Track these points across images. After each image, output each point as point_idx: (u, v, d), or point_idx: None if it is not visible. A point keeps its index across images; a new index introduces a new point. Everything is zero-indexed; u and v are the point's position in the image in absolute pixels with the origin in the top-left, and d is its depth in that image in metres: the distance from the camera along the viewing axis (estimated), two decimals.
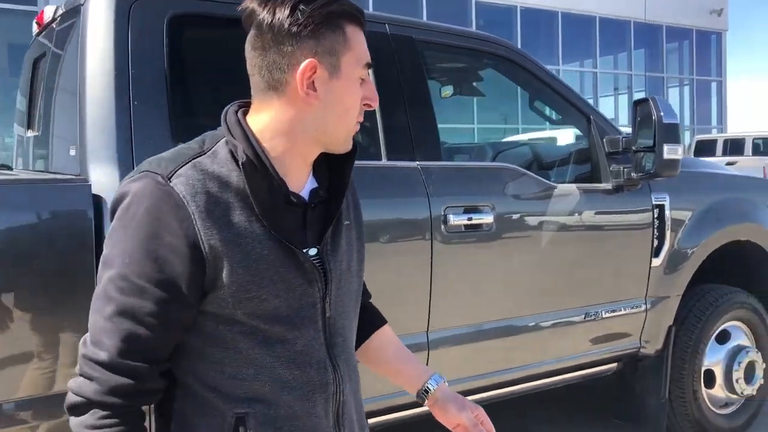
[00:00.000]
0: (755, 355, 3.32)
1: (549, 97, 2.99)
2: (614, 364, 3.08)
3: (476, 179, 2.56)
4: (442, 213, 2.38)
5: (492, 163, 3.13)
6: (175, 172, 1.01)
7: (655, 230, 3.02)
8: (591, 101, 20.14)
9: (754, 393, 3.35)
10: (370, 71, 1.16)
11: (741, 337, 3.38)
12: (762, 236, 3.46)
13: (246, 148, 1.03)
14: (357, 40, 1.06)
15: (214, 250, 1.00)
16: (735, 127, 22.99)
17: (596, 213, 2.84)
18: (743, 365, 3.27)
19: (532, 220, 2.64)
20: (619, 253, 2.93)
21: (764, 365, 3.37)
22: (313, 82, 1.03)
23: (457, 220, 2.41)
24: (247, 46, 1.06)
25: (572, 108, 2.94)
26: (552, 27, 18.95)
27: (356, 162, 1.16)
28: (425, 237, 2.34)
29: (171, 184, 1.00)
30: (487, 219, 2.48)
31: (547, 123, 3.17)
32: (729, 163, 9.06)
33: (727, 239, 3.31)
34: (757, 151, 15.69)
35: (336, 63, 1.04)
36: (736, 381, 3.26)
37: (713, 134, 18.46)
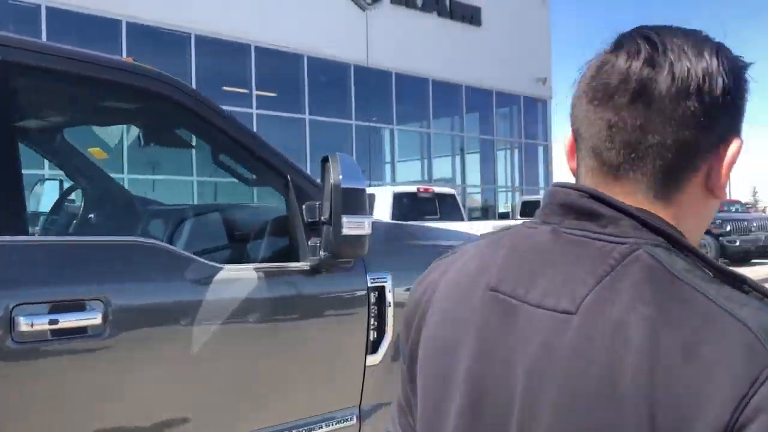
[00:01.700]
0: None
1: (235, 151, 2.34)
2: None
3: (80, 261, 1.81)
4: (9, 314, 1.61)
5: (113, 237, 2.33)
6: None
7: (372, 320, 2.43)
8: (425, 162, 20.53)
9: None
10: None
11: None
12: None
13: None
14: None
15: None
16: None
17: (283, 302, 2.19)
18: None
19: (174, 317, 1.91)
20: (317, 353, 2.27)
21: None
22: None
23: (36, 323, 1.65)
24: (610, 113, 0.73)
25: (265, 165, 2.31)
26: (387, 87, 19.06)
27: None
28: None
29: None
30: (93, 320, 1.74)
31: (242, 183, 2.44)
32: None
33: None
34: None
35: None
36: None
37: (537, 195, 19.18)
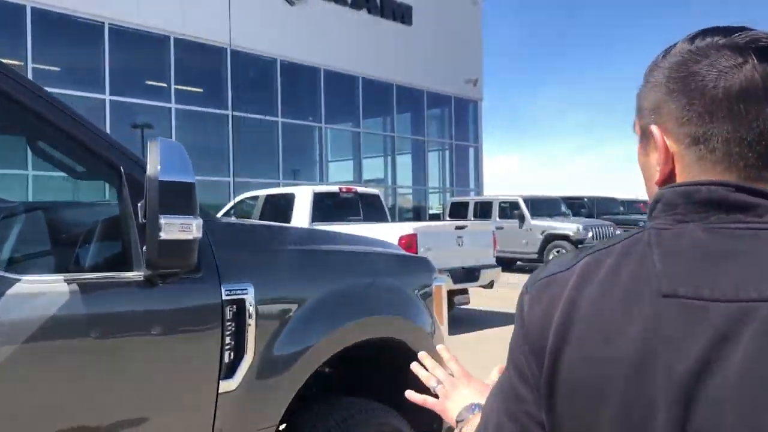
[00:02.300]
0: None
1: (55, 136, 1.93)
2: None
3: None
4: None
5: None
6: None
7: (227, 338, 2.06)
8: (357, 162, 20.19)
9: None
10: None
11: None
12: (407, 331, 2.69)
13: None
14: None
15: None
16: (495, 191, 24.33)
17: (105, 321, 1.79)
18: None
19: None
20: (152, 382, 1.88)
21: None
22: None
23: None
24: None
25: (93, 155, 1.91)
26: (315, 84, 18.62)
27: None
28: None
29: None
30: None
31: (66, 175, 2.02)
32: (459, 227, 8.84)
33: (357, 338, 2.46)
34: (504, 213, 16.39)
35: None
36: None
37: (466, 197, 19.12)
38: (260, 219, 10.01)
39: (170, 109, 15.08)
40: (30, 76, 12.74)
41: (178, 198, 1.56)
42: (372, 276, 2.58)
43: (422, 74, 21.31)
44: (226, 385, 2.04)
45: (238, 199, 10.78)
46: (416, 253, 8.01)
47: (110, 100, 13.98)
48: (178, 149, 1.62)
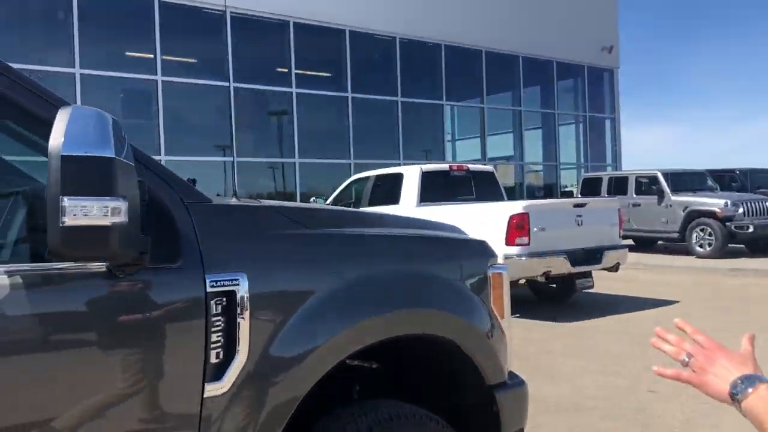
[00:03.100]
0: None
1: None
2: None
3: None
4: None
5: None
6: None
7: (215, 336, 1.80)
8: (483, 140, 19.56)
9: None
10: None
11: None
12: (450, 328, 2.31)
13: None
14: None
15: None
16: (633, 165, 22.80)
17: (59, 319, 1.58)
18: None
19: None
20: (115, 388, 1.63)
21: None
22: None
23: None
24: None
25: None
26: (435, 61, 18.20)
27: None
28: None
29: None
30: None
31: None
32: (578, 205, 8.14)
33: (380, 336, 2.12)
34: (640, 189, 15.18)
35: None
36: None
37: (599, 173, 17.90)
38: (370, 200, 9.84)
39: (291, 93, 15.31)
40: (159, 68, 13.39)
41: (89, 176, 1.30)
42: (403, 263, 2.22)
43: (551, 44, 20.22)
44: (212, 388, 1.78)
45: (348, 181, 10.68)
46: (528, 233, 7.48)
47: (234, 87, 14.41)
48: (96, 119, 1.35)
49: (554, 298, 9.07)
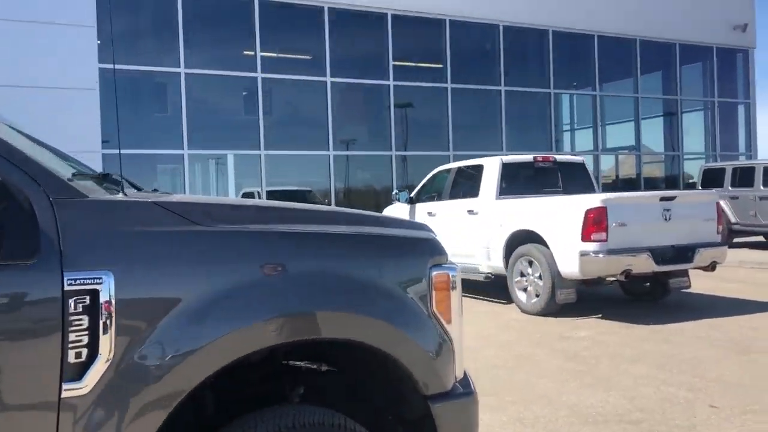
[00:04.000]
0: None
1: None
2: None
3: None
4: None
5: None
6: None
7: (73, 335, 1.75)
8: (598, 130, 18.59)
9: None
10: None
11: None
12: (371, 332, 2.13)
13: None
14: None
15: None
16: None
17: None
18: None
19: None
20: None
21: None
22: None
23: None
24: None
25: None
26: (541, 47, 17.48)
27: None
28: None
29: None
30: None
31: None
32: (666, 198, 7.45)
33: (273, 340, 1.97)
34: None
35: None
36: None
37: (722, 163, 16.38)
38: (450, 193, 9.59)
39: (388, 86, 15.30)
40: (259, 64, 13.82)
41: None
42: (313, 263, 2.07)
43: (673, 24, 18.82)
44: (71, 389, 1.74)
45: (432, 173, 10.48)
46: (605, 229, 6.98)
47: (331, 81, 14.61)
48: None
49: (645, 298, 8.42)
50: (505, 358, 5.75)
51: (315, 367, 2.50)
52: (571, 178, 9.16)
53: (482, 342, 6.39)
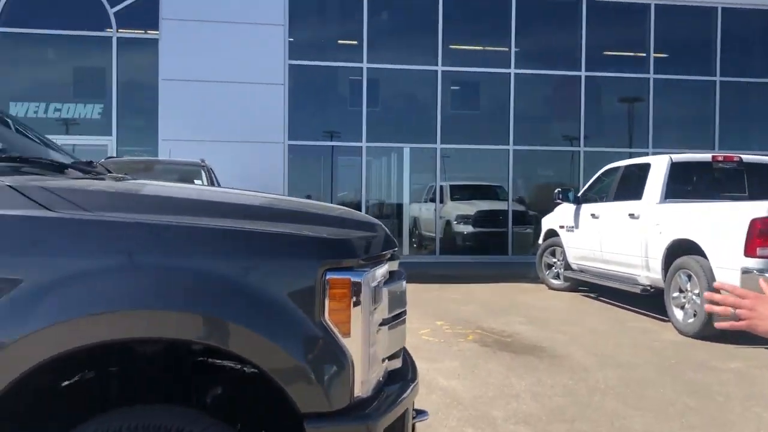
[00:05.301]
0: None
1: None
2: None
3: None
4: None
5: None
6: None
7: None
8: None
9: None
10: None
11: None
12: (228, 337, 1.95)
13: None
14: None
15: None
16: None
17: None
18: None
19: None
20: None
21: None
22: None
23: None
24: None
25: None
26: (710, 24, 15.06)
27: None
28: None
29: None
30: None
31: None
32: None
33: (103, 336, 1.85)
34: None
35: None
36: None
37: None
38: (615, 194, 8.70)
39: (648, 80, 14.35)
40: (513, 61, 13.78)
41: None
42: (170, 258, 1.93)
43: None
44: None
45: (600, 172, 9.59)
46: None
47: (585, 76, 14.14)
48: None
49: None
50: (613, 383, 5.05)
51: (239, 368, 2.38)
52: (760, 182, 7.81)
53: (599, 361, 5.70)
